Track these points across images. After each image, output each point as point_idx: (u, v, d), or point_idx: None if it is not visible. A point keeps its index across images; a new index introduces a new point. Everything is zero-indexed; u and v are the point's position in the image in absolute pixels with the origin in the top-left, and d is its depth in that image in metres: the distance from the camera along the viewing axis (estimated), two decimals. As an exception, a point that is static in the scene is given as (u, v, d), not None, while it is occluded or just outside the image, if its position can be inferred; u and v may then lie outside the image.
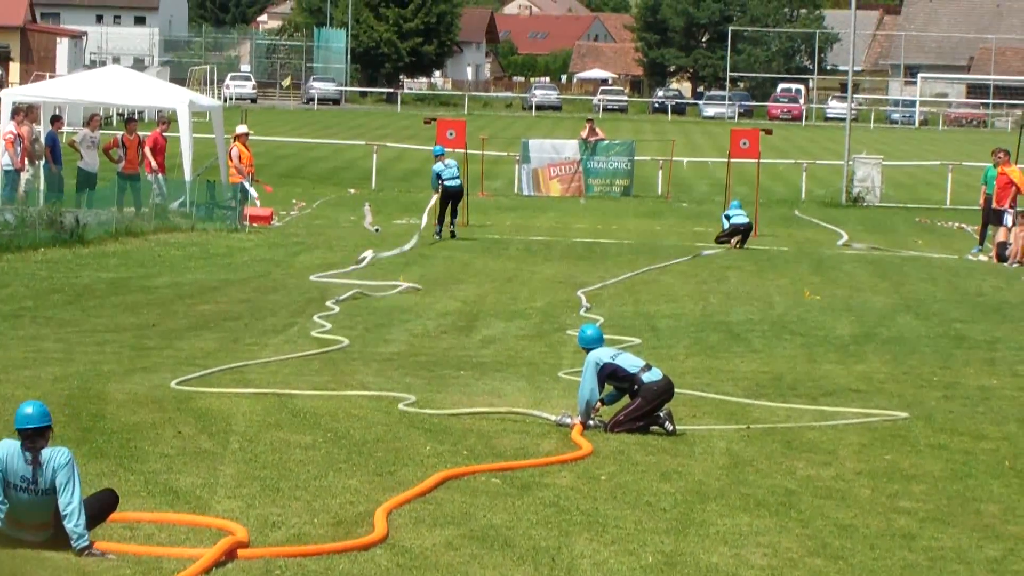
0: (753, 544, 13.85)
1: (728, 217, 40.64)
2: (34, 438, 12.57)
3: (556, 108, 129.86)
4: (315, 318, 25.83)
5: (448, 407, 18.97)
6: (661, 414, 17.97)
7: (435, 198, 40.74)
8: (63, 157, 41.88)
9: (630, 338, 24.81)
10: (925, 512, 15.18)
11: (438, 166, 40.41)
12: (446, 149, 42.88)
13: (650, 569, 12.98)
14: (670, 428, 17.87)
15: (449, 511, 14.49)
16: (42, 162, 40.89)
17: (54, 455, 12.61)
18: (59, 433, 16.85)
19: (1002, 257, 38.54)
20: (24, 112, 41.54)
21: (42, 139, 41.11)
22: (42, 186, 40.22)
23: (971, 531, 14.57)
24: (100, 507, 13.00)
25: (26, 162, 40.12)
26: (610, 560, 13.17)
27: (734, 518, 14.68)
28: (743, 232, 40.32)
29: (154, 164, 41.92)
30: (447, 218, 40.48)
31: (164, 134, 43.02)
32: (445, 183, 40.07)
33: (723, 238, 40.33)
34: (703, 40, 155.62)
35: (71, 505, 12.48)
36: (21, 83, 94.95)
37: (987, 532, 14.56)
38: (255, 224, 41.04)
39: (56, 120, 42.77)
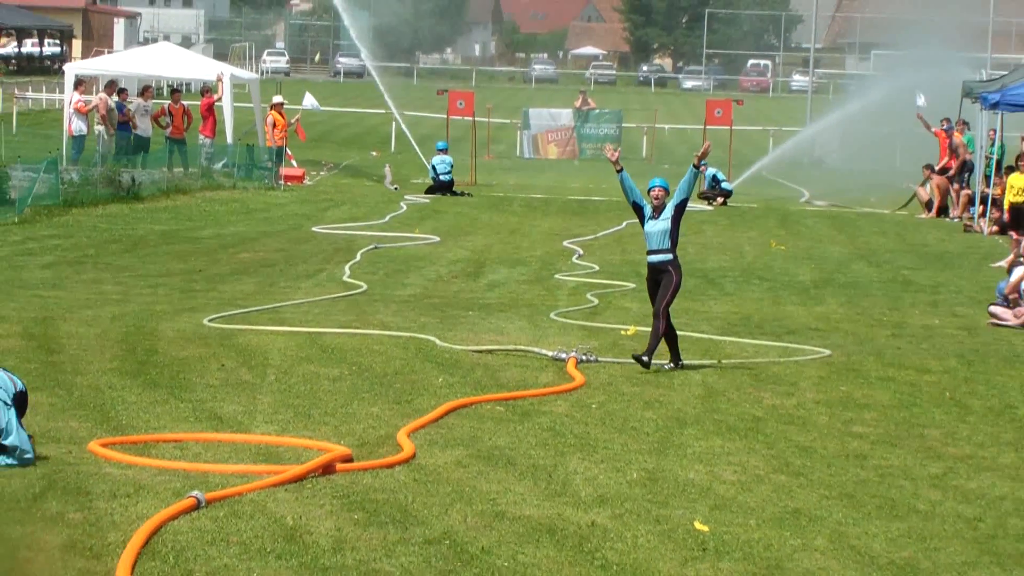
0: (725, 463, 13.91)
1: (717, 180, 40.72)
2: None
3: (553, 81, 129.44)
4: (346, 267, 25.90)
5: (459, 344, 19.02)
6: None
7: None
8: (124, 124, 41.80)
9: (623, 283, 24.84)
10: (876, 436, 15.24)
11: (436, 159, 40.58)
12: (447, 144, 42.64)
13: (635, 483, 13.04)
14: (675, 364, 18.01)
15: (459, 434, 14.55)
16: (101, 128, 40.89)
17: None
18: (117, 367, 16.94)
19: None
20: (109, 85, 41.65)
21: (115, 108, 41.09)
22: (100, 148, 40.26)
23: (916, 452, 14.64)
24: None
25: (100, 128, 40.29)
26: (600, 476, 13.23)
27: (708, 441, 14.73)
28: (727, 195, 40.53)
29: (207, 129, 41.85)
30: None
31: (216, 100, 42.86)
32: (440, 177, 40.33)
33: (707, 195, 40.40)
34: (683, 21, 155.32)
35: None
36: (83, 58, 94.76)
37: (930, 453, 14.63)
38: (289, 183, 41.04)
39: (123, 91, 42.70)
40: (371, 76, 57.15)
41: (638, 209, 18.11)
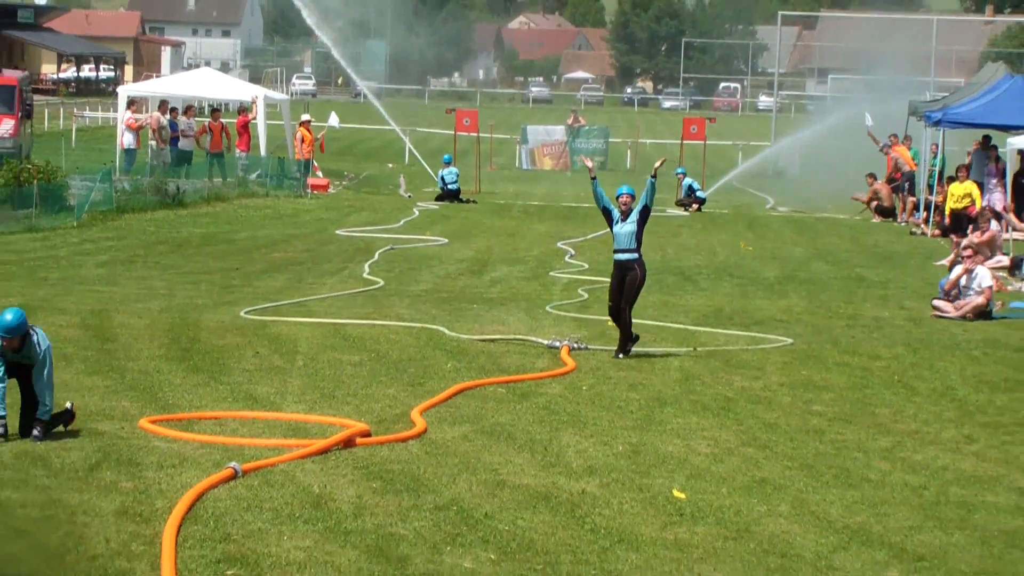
0: (700, 438, 13.91)
1: (692, 189, 40.60)
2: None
3: (548, 101, 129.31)
4: (366, 265, 25.88)
5: (465, 333, 19.01)
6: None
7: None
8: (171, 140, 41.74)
9: (610, 279, 24.77)
10: (833, 414, 15.24)
11: (443, 171, 40.61)
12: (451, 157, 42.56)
13: (621, 456, 13.04)
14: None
15: (466, 413, 14.55)
16: (153, 143, 40.90)
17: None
18: (164, 353, 16.93)
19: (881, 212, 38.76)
20: (161, 104, 41.62)
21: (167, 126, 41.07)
22: (152, 160, 40.28)
23: (868, 428, 14.64)
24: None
25: (152, 143, 40.36)
26: (590, 449, 13.23)
27: (685, 418, 14.73)
28: (701, 202, 40.39)
29: (238, 143, 41.81)
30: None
31: (251, 119, 42.77)
32: (448, 186, 40.30)
33: (684, 202, 40.30)
34: (662, 49, 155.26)
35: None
36: (134, 81, 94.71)
37: (880, 429, 14.63)
38: (315, 191, 40.96)
39: (173, 110, 42.66)
40: (389, 97, 56.98)
41: (607, 213, 18.15)
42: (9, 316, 12.48)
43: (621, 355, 17.82)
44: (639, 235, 17.99)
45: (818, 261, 29.37)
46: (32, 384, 12.71)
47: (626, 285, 17.99)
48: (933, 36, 60.14)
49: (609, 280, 18.11)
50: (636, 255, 17.99)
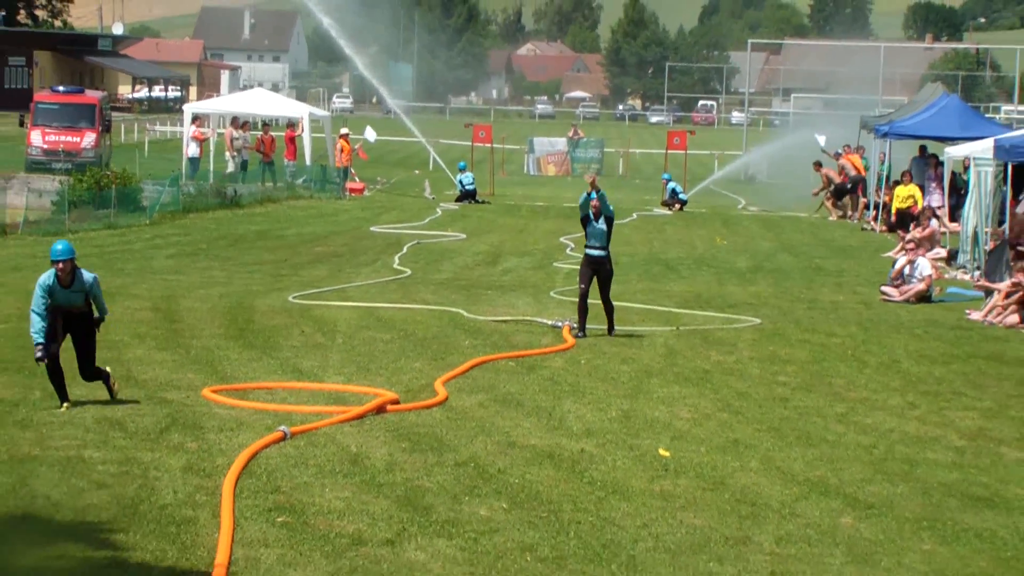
0: (682, 404, 13.89)
1: (676, 192, 40.39)
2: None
3: (551, 117, 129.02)
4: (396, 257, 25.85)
5: (481, 315, 18.99)
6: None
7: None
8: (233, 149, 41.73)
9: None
10: (795, 384, 15.21)
11: (461, 176, 40.56)
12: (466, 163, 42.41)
13: (614, 420, 13.03)
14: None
15: (481, 383, 14.54)
16: (228, 154, 40.97)
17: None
18: (223, 332, 16.93)
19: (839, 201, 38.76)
20: (234, 121, 41.63)
21: (244, 140, 41.15)
22: (211, 166, 40.32)
23: (825, 396, 14.61)
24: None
25: (228, 155, 40.53)
26: (587, 415, 13.22)
27: (669, 388, 14.71)
28: (683, 203, 40.16)
29: (285, 153, 41.81)
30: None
31: (298, 133, 42.81)
32: (466, 187, 40.23)
33: (668, 203, 40.12)
34: (649, 71, 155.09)
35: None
36: (197, 100, 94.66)
37: (836, 397, 14.60)
38: (353, 194, 40.93)
39: (243, 125, 42.65)
40: (415, 114, 56.94)
41: (586, 219, 18.02)
42: (60, 246, 12.49)
43: (611, 334, 17.82)
44: (609, 235, 18.02)
45: (783, 253, 29.32)
46: (79, 339, 12.67)
47: (601, 280, 17.96)
48: (881, 60, 59.92)
49: (579, 267, 18.12)
50: (606, 252, 18.00)
